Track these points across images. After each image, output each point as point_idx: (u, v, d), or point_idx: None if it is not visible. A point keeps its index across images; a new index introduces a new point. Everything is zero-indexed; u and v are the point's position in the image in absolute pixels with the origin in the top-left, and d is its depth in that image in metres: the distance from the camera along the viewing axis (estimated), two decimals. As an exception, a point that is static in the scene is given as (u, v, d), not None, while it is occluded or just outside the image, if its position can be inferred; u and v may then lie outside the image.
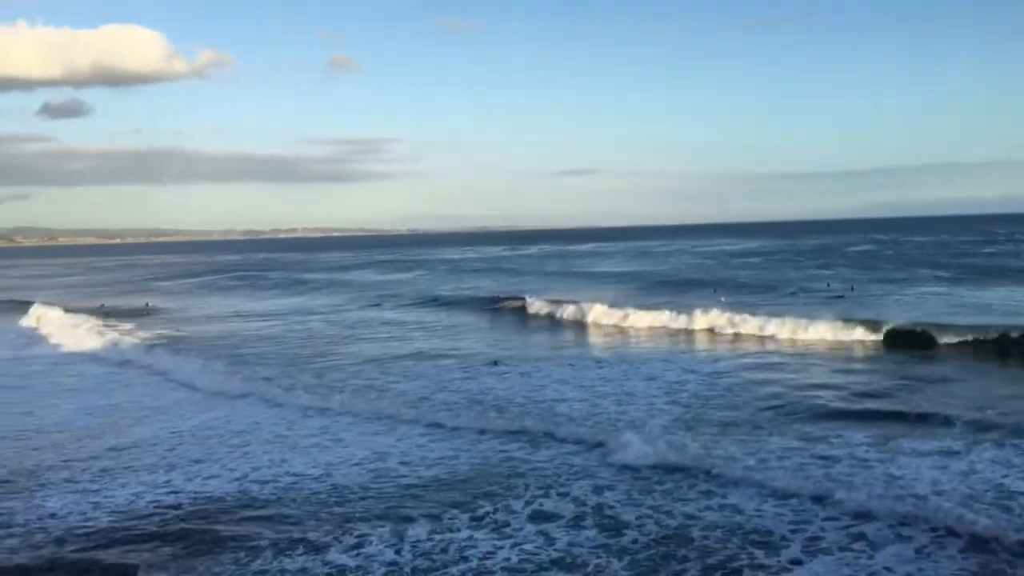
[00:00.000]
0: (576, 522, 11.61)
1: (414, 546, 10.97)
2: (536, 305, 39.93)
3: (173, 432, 17.87)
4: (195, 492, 13.60)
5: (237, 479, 14.22)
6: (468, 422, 17.34)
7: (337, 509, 12.52)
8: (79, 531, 12.03)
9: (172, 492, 13.64)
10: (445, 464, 14.63)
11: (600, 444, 15.08)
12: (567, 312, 36.55)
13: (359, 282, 68.93)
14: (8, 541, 11.73)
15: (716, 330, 30.47)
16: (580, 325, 34.80)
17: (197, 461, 15.50)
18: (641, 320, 33.62)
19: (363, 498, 12.99)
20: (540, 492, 12.85)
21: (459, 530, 11.49)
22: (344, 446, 16.14)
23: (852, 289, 43.12)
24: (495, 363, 25.17)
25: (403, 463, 14.79)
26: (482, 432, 16.56)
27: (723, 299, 40.47)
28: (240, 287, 68.77)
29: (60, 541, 11.67)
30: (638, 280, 56.88)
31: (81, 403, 21.46)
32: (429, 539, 11.18)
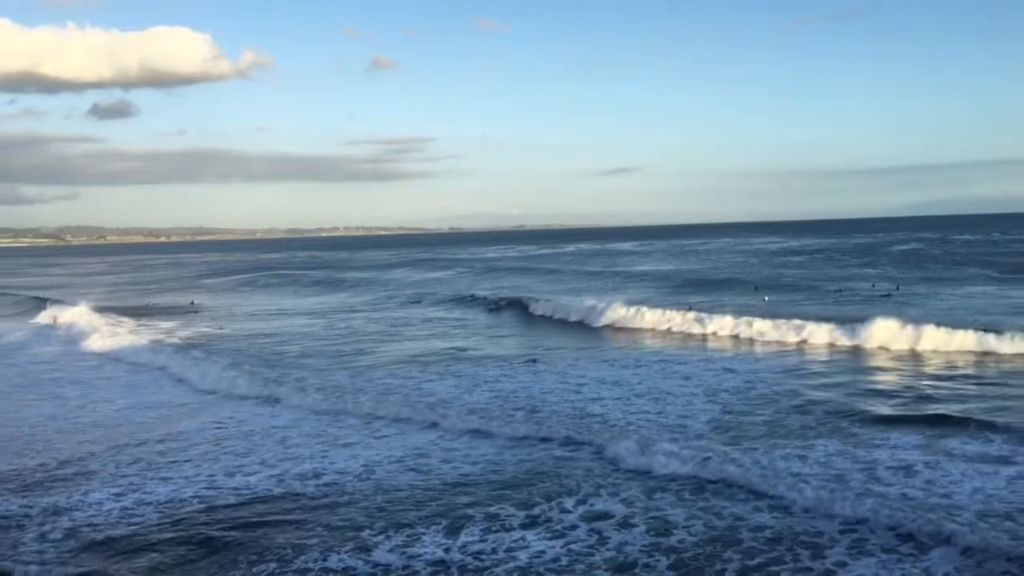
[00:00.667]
0: (626, 521, 11.66)
1: (463, 545, 11.03)
2: (568, 304, 39.78)
3: (216, 429, 18.17)
4: (238, 488, 13.80)
5: (279, 475, 14.40)
6: (508, 421, 17.36)
7: (385, 507, 12.63)
8: (122, 526, 12.22)
9: (215, 488, 13.85)
10: (489, 462, 14.70)
11: (645, 446, 15.01)
12: (599, 311, 36.32)
13: (399, 280, 69.37)
14: (52, 535, 11.98)
15: (751, 331, 29.90)
16: (613, 325, 34.51)
17: (240, 456, 15.76)
18: (677, 320, 33.23)
19: (408, 495, 13.09)
20: (591, 491, 12.89)
21: (510, 529, 11.53)
22: (386, 443, 16.29)
23: (897, 288, 42.51)
24: (533, 361, 25.22)
25: (445, 461, 14.89)
26: (521, 431, 16.56)
27: (766, 298, 40.17)
28: (283, 285, 69.56)
29: (103, 535, 11.87)
30: (678, 279, 56.52)
31: (126, 400, 21.87)
32: (481, 539, 11.21)
